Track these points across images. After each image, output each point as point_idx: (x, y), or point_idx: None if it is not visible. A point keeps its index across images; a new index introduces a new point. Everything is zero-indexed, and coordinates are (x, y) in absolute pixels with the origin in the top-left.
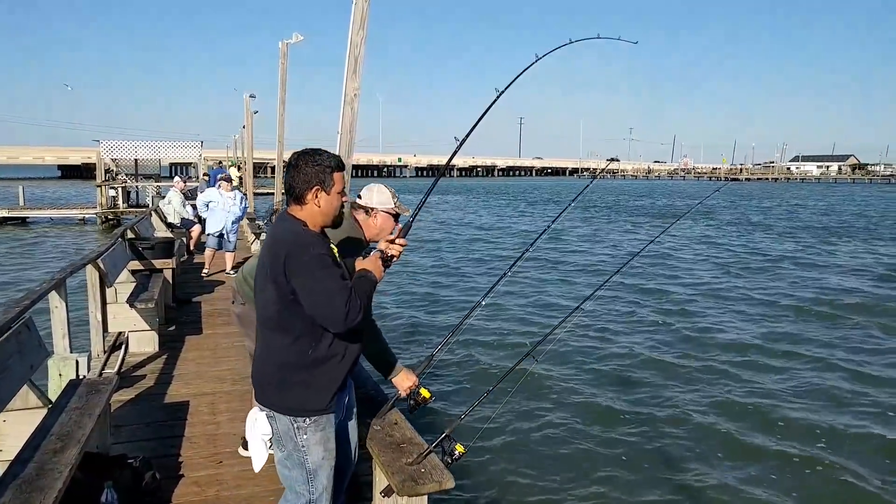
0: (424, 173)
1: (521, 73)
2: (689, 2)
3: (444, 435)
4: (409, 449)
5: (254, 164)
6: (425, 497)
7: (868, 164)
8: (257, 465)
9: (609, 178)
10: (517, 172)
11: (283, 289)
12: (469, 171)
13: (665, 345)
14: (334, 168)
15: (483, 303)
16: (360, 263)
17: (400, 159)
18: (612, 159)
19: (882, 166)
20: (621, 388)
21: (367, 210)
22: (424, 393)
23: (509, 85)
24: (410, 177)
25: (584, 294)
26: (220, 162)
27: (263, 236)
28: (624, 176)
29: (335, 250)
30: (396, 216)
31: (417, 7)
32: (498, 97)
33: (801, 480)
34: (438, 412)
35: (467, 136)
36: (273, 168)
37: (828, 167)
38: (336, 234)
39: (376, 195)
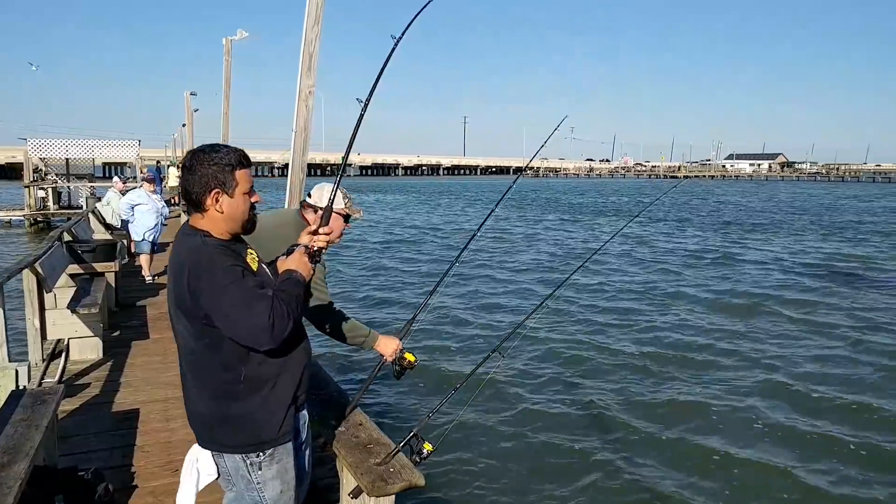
0: (370, 172)
1: (417, 15)
2: (626, 4)
3: (411, 434)
4: (376, 449)
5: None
6: (393, 497)
7: (795, 163)
8: None
9: (552, 177)
10: (462, 171)
11: (194, 314)
12: (414, 170)
13: (625, 341)
14: (236, 165)
15: (453, 268)
16: (283, 263)
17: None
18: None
19: (808, 164)
20: (587, 383)
21: (317, 210)
22: (409, 357)
23: (405, 30)
24: (355, 175)
25: (541, 292)
26: (158, 162)
27: None
28: (566, 174)
29: (253, 255)
30: (347, 217)
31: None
32: (396, 44)
33: (747, 481)
34: (405, 411)
35: (369, 97)
36: None
37: (759, 165)
38: (286, 236)
39: (327, 195)
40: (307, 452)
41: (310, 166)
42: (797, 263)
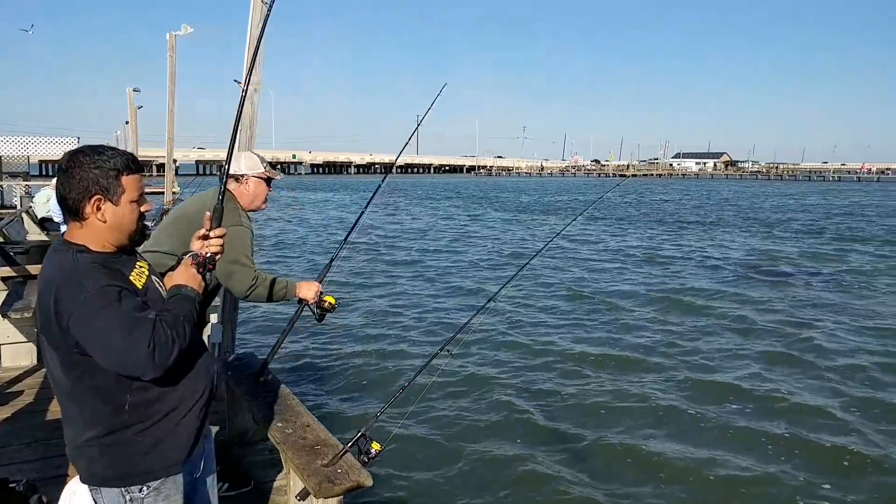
0: (320, 170)
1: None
2: (577, 6)
3: (359, 434)
4: (323, 451)
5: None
6: (341, 497)
7: (738, 161)
8: None
9: (505, 176)
10: (415, 170)
11: (62, 342)
12: (367, 169)
13: (573, 336)
14: (122, 170)
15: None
16: (169, 278)
17: (294, 156)
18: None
19: (750, 163)
20: (536, 380)
21: (237, 178)
22: (329, 299)
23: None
24: (306, 174)
25: (489, 288)
26: None
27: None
28: (518, 173)
29: (142, 269)
30: (269, 180)
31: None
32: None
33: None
34: (353, 411)
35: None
36: (161, 166)
37: (705, 164)
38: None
39: (244, 160)
40: (209, 491)
41: None
42: (727, 260)
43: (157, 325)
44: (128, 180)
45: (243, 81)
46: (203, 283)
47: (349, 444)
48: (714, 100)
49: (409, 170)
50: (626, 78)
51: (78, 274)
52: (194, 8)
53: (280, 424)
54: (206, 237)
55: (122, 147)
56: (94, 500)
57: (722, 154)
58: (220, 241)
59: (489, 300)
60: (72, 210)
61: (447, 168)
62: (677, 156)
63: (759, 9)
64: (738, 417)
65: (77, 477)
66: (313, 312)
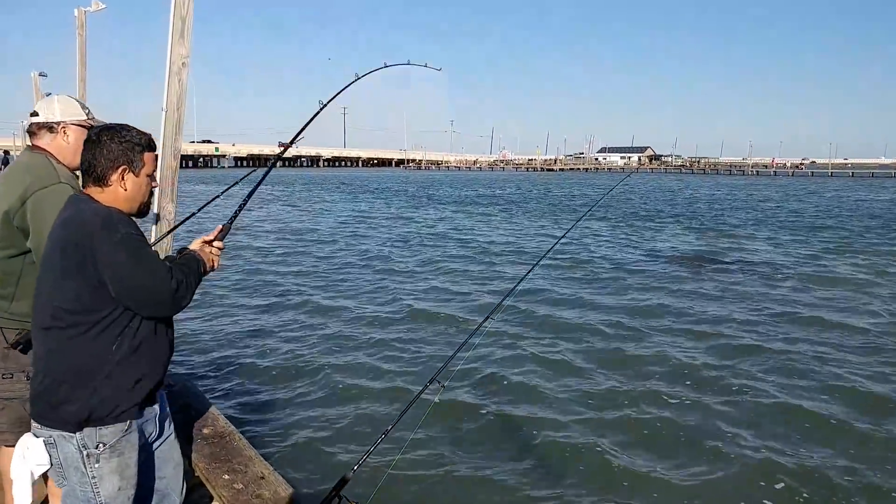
0: (244, 163)
1: (342, 91)
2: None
3: (331, 493)
4: None
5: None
6: None
7: (662, 156)
8: None
9: (434, 169)
10: (343, 163)
11: (87, 276)
12: (293, 161)
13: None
14: (145, 147)
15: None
16: (189, 248)
17: (217, 148)
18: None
19: (673, 157)
20: (535, 413)
21: (51, 127)
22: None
23: (331, 99)
24: (229, 167)
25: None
26: (7, 151)
27: None
28: (448, 167)
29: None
30: (91, 129)
31: None
32: (320, 110)
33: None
34: (326, 460)
35: (291, 143)
36: None
37: (629, 158)
38: (19, 175)
39: (59, 105)
40: (172, 453)
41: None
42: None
43: (174, 269)
44: (148, 156)
45: (168, 53)
46: (208, 268)
47: None
48: (637, 95)
49: (337, 163)
50: (550, 73)
51: (113, 219)
52: None
53: (227, 477)
54: (209, 242)
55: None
56: (48, 454)
57: (646, 148)
58: (217, 254)
59: (484, 320)
60: (98, 177)
61: (375, 161)
62: (603, 150)
63: (679, 6)
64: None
65: (30, 432)
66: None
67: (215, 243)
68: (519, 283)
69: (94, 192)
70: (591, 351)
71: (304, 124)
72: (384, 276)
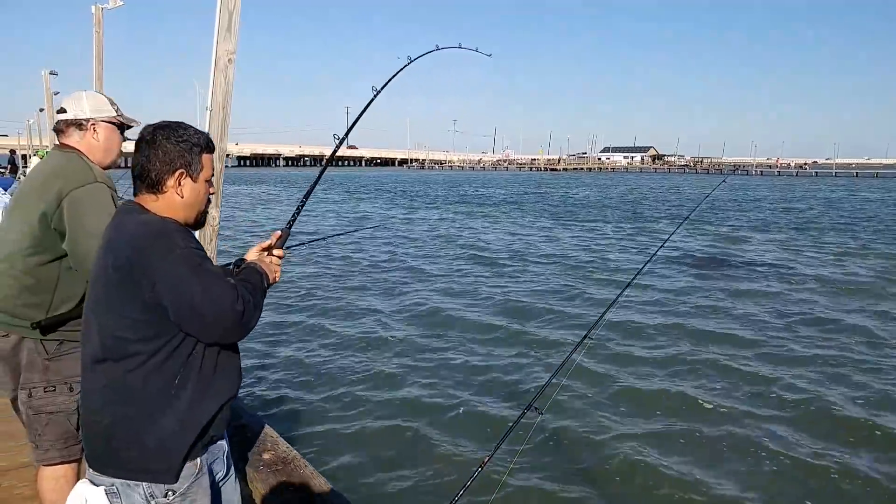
0: (248, 163)
1: (395, 75)
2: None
3: None
4: None
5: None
6: None
7: (665, 155)
8: None
9: (437, 169)
10: (347, 162)
11: (144, 299)
12: (296, 161)
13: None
14: (204, 148)
15: None
16: (247, 259)
17: None
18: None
19: (676, 157)
20: (641, 452)
21: (80, 125)
22: None
23: (385, 85)
24: (233, 166)
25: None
26: (13, 151)
27: None
28: (451, 167)
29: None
30: (122, 126)
31: None
32: (375, 96)
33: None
34: (411, 497)
35: (347, 133)
36: None
37: (632, 157)
38: (52, 175)
39: (88, 101)
40: (227, 488)
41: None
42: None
43: (239, 289)
44: (207, 158)
45: (214, 48)
46: (269, 280)
47: None
48: (639, 95)
49: (340, 162)
50: (552, 72)
51: (169, 232)
52: None
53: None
54: (268, 250)
55: (35, 135)
56: (108, 502)
57: (649, 148)
58: (279, 264)
59: (586, 334)
60: (152, 182)
61: (379, 161)
62: (606, 150)
63: (678, 8)
64: None
65: (86, 478)
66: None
67: (275, 251)
68: (615, 300)
69: (147, 199)
70: (696, 377)
71: (359, 112)
72: (453, 288)
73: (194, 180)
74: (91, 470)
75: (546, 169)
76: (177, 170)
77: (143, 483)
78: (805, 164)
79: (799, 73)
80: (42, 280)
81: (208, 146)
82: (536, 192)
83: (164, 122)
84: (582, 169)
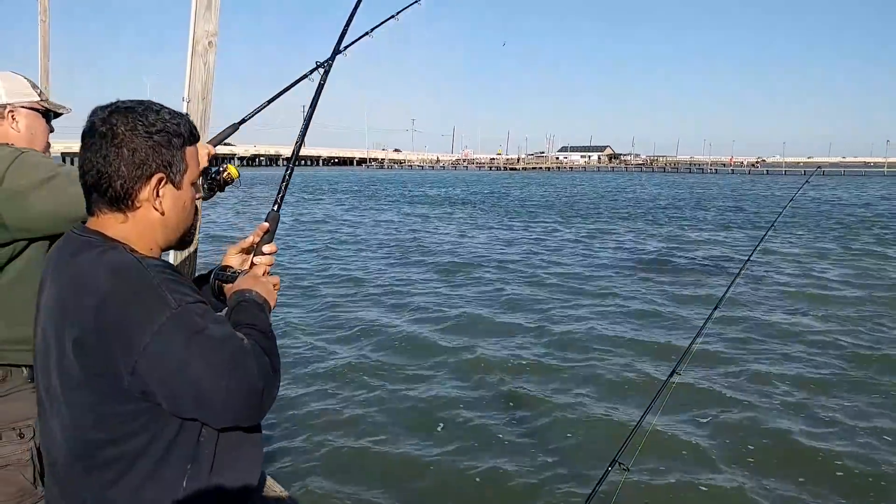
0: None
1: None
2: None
3: None
4: None
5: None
6: None
7: (621, 154)
8: None
9: (397, 168)
10: (304, 162)
11: (116, 387)
12: (251, 161)
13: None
14: (187, 138)
15: None
16: (237, 285)
17: None
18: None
19: (632, 156)
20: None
21: (7, 109)
22: (231, 169)
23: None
24: None
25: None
26: None
27: None
28: (411, 166)
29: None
30: (46, 113)
31: None
32: (326, 74)
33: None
34: None
35: (305, 128)
36: None
37: (589, 157)
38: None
39: (3, 84)
40: None
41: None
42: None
43: (256, 352)
44: (191, 153)
45: (191, 29)
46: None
47: None
48: (594, 94)
49: (298, 162)
50: (509, 73)
51: (150, 284)
52: None
53: None
54: (257, 250)
55: None
56: None
57: (605, 147)
58: (277, 284)
59: (671, 374)
60: (117, 195)
61: (336, 160)
62: (563, 149)
63: (631, 10)
64: None
65: None
66: (207, 179)
67: (265, 248)
68: (705, 323)
69: (110, 221)
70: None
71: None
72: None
73: (177, 186)
74: None
75: (506, 168)
76: (153, 174)
77: None
78: (756, 162)
79: (749, 72)
80: None
81: (192, 135)
82: (519, 193)
83: (122, 102)
84: (541, 168)
